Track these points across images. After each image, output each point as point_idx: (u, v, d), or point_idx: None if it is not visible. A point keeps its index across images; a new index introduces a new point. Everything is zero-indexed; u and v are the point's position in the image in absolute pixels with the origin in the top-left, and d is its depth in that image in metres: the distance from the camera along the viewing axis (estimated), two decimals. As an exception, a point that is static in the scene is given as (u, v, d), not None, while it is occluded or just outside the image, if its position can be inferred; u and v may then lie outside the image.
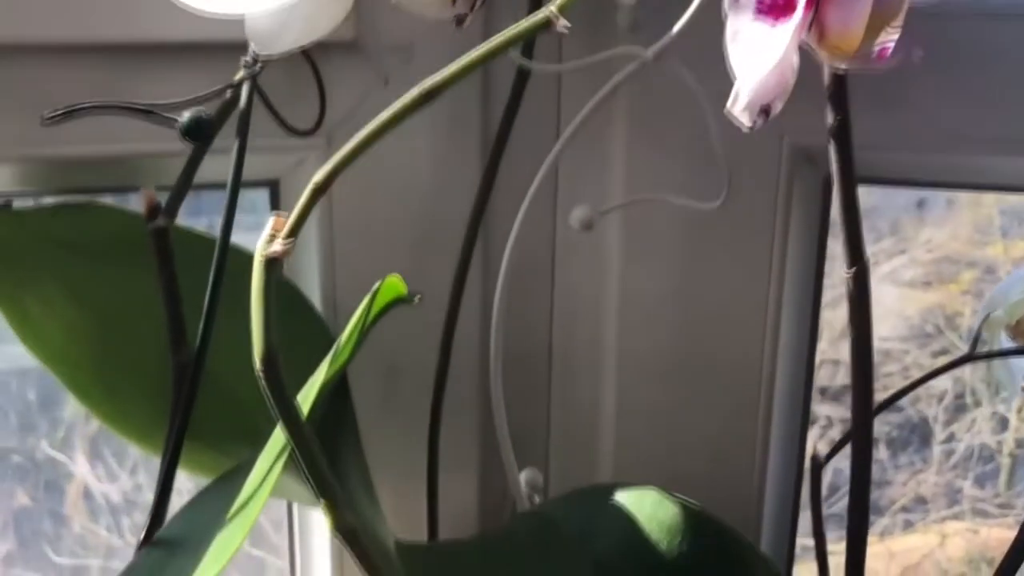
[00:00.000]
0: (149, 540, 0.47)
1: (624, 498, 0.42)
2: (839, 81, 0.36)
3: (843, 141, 0.36)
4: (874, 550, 0.88)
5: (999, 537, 0.94)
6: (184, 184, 0.46)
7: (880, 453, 0.87)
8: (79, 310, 0.49)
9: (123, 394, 0.50)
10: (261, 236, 0.28)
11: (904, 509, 0.91)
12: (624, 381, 0.58)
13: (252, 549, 0.77)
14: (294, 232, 0.28)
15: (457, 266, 0.52)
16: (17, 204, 0.48)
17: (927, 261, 0.92)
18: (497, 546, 0.42)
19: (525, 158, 0.51)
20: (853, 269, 0.39)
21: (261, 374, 0.28)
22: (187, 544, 0.43)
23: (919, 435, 0.91)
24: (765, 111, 0.28)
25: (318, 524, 0.61)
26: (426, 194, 0.54)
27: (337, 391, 0.49)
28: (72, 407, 0.73)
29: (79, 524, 0.76)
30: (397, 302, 0.44)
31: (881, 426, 0.85)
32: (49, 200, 0.53)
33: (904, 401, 0.80)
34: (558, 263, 0.57)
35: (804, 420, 0.60)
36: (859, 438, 0.43)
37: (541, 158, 0.48)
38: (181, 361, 0.48)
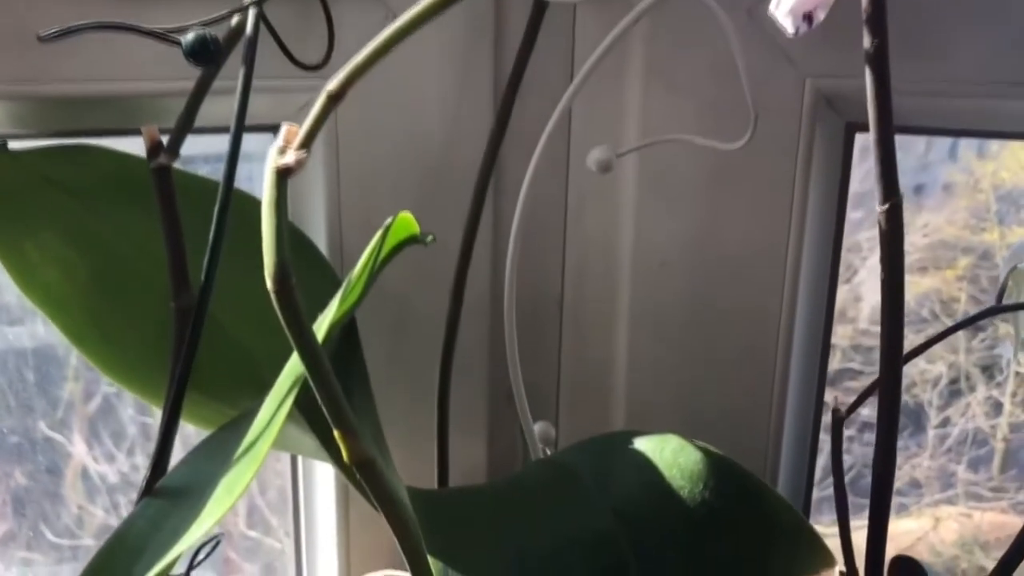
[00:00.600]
0: (149, 491, 0.45)
1: (643, 444, 0.41)
2: (878, 2, 0.34)
3: (880, 67, 0.35)
4: (867, 534, 0.89)
5: (992, 521, 0.95)
6: (188, 119, 0.44)
7: (871, 436, 0.86)
8: (77, 255, 0.47)
9: (124, 342, 0.48)
10: (272, 146, 0.27)
11: (898, 492, 0.91)
12: (637, 334, 0.57)
13: (249, 531, 0.77)
14: (307, 143, 0.26)
15: (468, 214, 0.51)
16: (13, 146, 0.47)
17: (923, 246, 0.92)
18: (511, 491, 0.40)
19: (538, 100, 0.49)
20: (886, 205, 0.37)
21: (273, 292, 0.26)
22: (190, 492, 0.41)
23: (913, 419, 0.91)
24: (808, 18, 0.27)
25: (322, 484, 0.59)
26: (435, 137, 0.52)
27: (347, 337, 0.47)
28: (70, 387, 0.72)
29: (76, 505, 0.75)
30: (409, 241, 0.43)
31: (876, 410, 0.86)
32: (46, 142, 0.52)
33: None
34: (571, 212, 0.56)
35: (822, 373, 0.58)
36: (888, 385, 0.42)
37: (554, 100, 0.46)
38: (183, 307, 0.46)
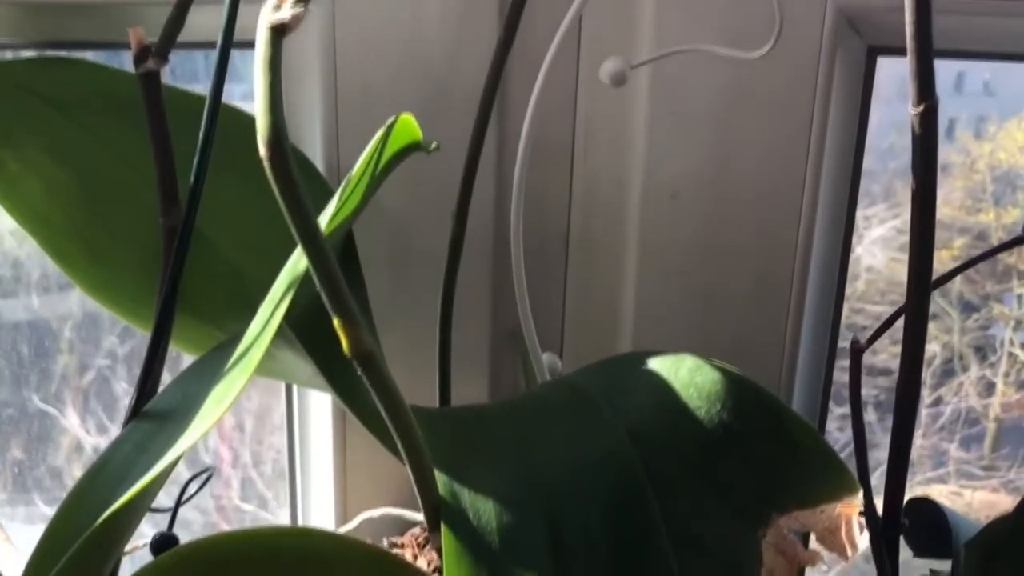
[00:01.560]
0: (136, 415, 0.43)
1: (658, 364, 0.39)
2: None
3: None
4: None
5: (983, 499, 0.96)
6: (177, 22, 0.42)
7: (868, 415, 0.86)
8: (61, 169, 0.45)
9: (109, 261, 0.46)
10: (267, 2, 0.24)
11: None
12: (645, 269, 0.55)
13: (243, 504, 0.75)
14: (304, -3, 0.24)
15: (472, 133, 0.48)
16: (-5, 56, 0.45)
17: None
18: (520, 408, 0.38)
19: (546, 9, 0.46)
20: (921, 107, 0.35)
21: (267, 159, 0.24)
22: (178, 413, 0.39)
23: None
24: None
25: (317, 423, 0.57)
26: (437, 51, 0.50)
27: (345, 257, 0.45)
28: (64, 360, 0.70)
29: (70, 477, 0.74)
30: (411, 148, 0.40)
31: (869, 389, 0.86)
32: (30, 53, 0.49)
33: (893, 365, 0.80)
34: (579, 138, 0.53)
35: (837, 309, 0.56)
36: (915, 307, 0.39)
37: (564, 7, 0.44)
38: (171, 225, 0.44)
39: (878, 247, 0.90)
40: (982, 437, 0.98)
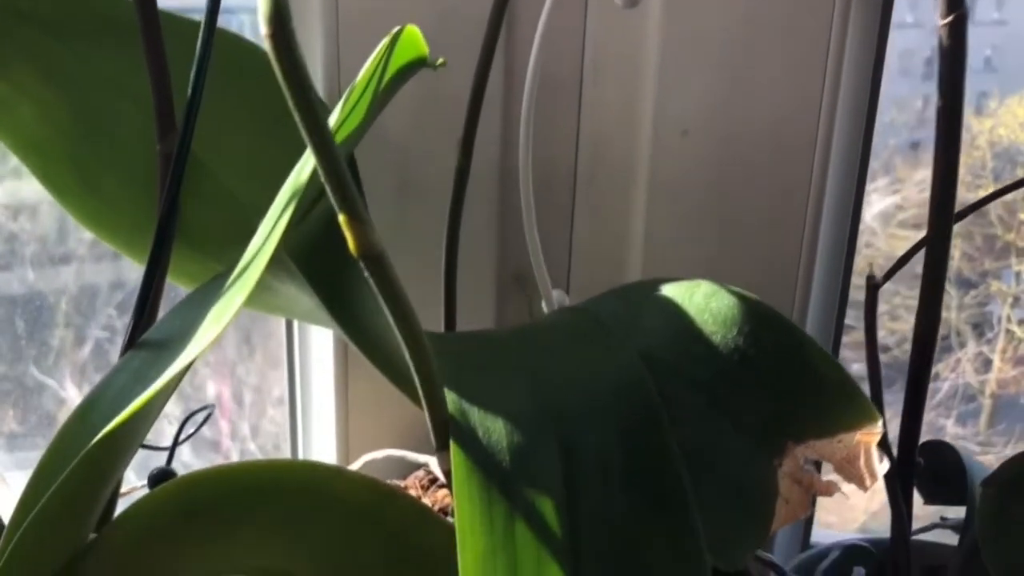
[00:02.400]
0: (133, 345, 0.42)
1: (672, 290, 0.38)
2: None
3: None
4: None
5: None
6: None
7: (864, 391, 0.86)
8: (53, 94, 0.44)
9: (104, 190, 0.44)
10: None
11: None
12: (655, 208, 0.53)
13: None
14: None
15: (479, 58, 0.47)
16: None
17: (919, 202, 0.90)
18: (531, 333, 0.37)
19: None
20: (950, 17, 0.34)
21: (268, 37, 0.22)
22: (177, 340, 0.38)
23: (902, 376, 0.90)
24: None
25: (318, 365, 0.56)
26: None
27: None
28: (60, 334, 0.69)
29: None
30: (416, 64, 0.39)
31: (864, 367, 0.85)
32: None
33: (890, 341, 0.83)
34: (587, 68, 0.52)
35: (852, 242, 0.55)
36: (938, 235, 0.38)
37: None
38: (168, 151, 0.42)
39: (878, 223, 0.90)
40: (979, 413, 0.98)
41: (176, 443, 0.47)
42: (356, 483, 0.40)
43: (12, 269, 0.68)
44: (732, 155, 0.52)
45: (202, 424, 0.49)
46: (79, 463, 0.32)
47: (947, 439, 0.96)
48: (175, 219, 0.42)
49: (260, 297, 0.46)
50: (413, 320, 0.27)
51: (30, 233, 0.67)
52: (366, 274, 0.26)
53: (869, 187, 0.84)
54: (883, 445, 0.45)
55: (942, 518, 0.56)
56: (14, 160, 0.64)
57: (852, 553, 0.52)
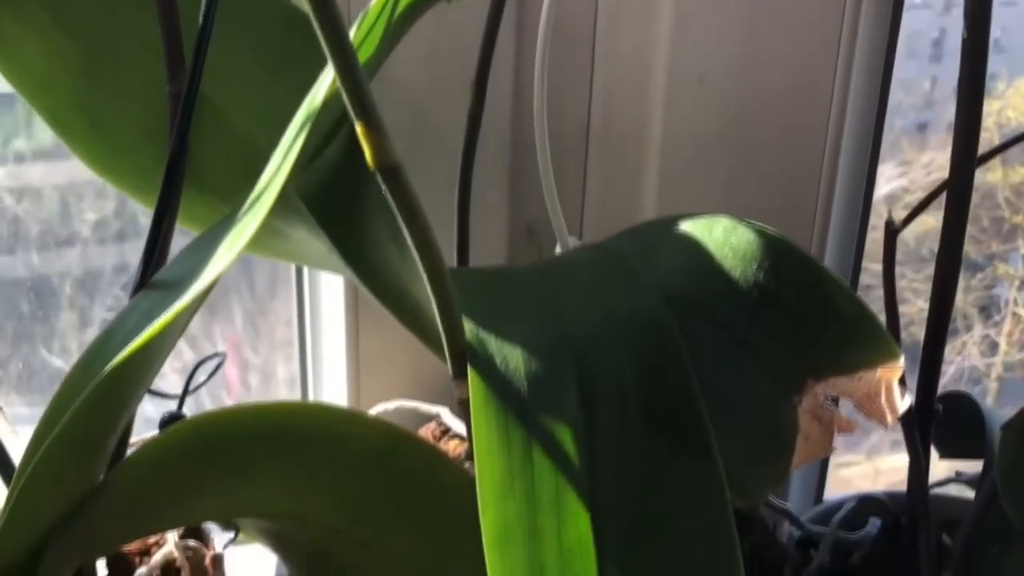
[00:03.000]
0: (144, 285, 0.41)
1: (690, 226, 0.37)
2: None
3: None
4: (861, 469, 0.93)
5: None
6: None
7: None
8: (62, 33, 0.43)
9: (113, 132, 0.44)
10: None
11: (893, 429, 0.89)
12: (669, 159, 0.53)
13: None
14: None
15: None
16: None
17: (926, 184, 0.90)
18: (550, 268, 0.36)
19: None
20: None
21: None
22: (188, 279, 0.37)
23: (910, 356, 0.90)
24: None
25: (329, 314, 0.56)
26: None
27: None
28: (66, 317, 0.69)
29: None
30: (431, -3, 0.38)
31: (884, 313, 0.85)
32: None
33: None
34: (601, 13, 0.51)
35: (869, 190, 0.54)
36: (959, 180, 0.38)
37: None
38: (177, 90, 0.42)
39: (884, 206, 0.89)
40: (985, 396, 0.98)
41: (187, 390, 0.47)
42: (369, 426, 0.40)
43: (16, 252, 0.67)
44: (748, 103, 0.51)
45: (214, 372, 0.48)
46: (88, 396, 0.31)
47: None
48: (184, 159, 0.41)
49: (271, 242, 0.45)
50: (430, 237, 0.26)
51: (34, 216, 0.67)
52: (383, 189, 0.25)
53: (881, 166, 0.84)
54: (902, 384, 0.44)
55: (957, 473, 0.56)
56: (17, 143, 0.64)
57: (867, 505, 0.51)
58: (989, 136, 0.92)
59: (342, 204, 0.43)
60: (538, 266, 0.36)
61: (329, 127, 0.42)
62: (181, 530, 0.48)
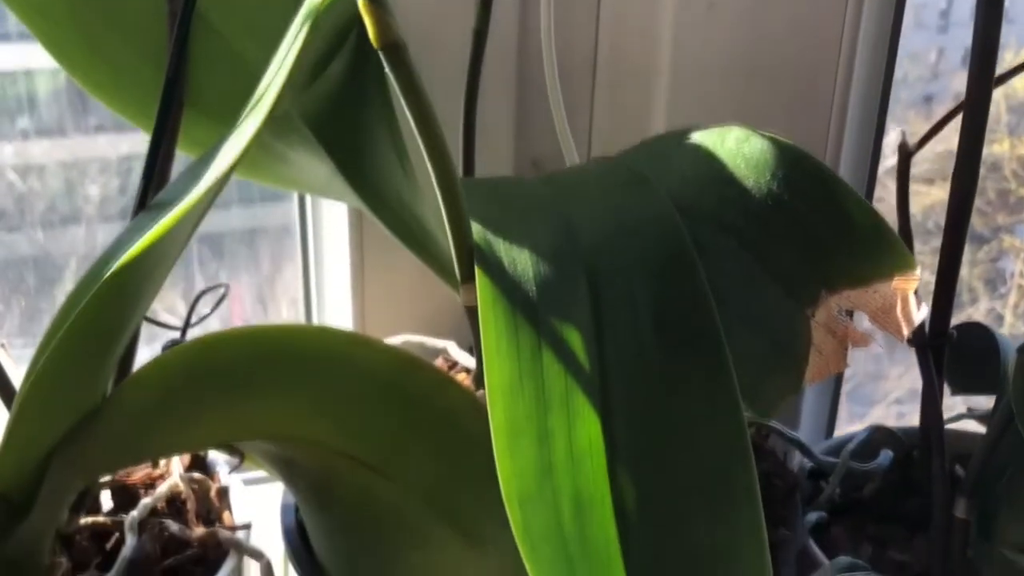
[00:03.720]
0: (143, 206, 0.41)
1: (702, 137, 0.36)
2: None
3: None
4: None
5: None
6: None
7: (877, 348, 0.86)
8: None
9: (111, 55, 0.43)
10: None
11: (897, 401, 0.91)
12: (678, 88, 0.52)
13: None
14: None
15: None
16: None
17: (931, 157, 0.88)
18: (560, 178, 0.36)
19: None
20: None
21: None
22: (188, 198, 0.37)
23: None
24: None
25: (333, 247, 0.55)
26: None
27: (363, 47, 0.42)
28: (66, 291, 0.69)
29: None
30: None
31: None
32: None
33: None
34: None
35: (881, 118, 0.53)
36: (977, 99, 0.37)
37: None
38: (176, 8, 0.41)
39: (890, 178, 0.88)
40: None
41: (189, 320, 0.46)
42: (375, 349, 0.39)
43: (22, 230, 0.67)
44: (759, 29, 0.50)
45: (218, 304, 0.48)
46: (88, 305, 0.31)
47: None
48: (183, 78, 0.41)
49: (272, 166, 0.45)
50: (433, 120, 0.26)
51: (39, 193, 0.67)
52: (386, 69, 0.25)
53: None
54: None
55: (969, 409, 0.55)
56: (22, 121, 0.63)
57: (879, 437, 0.51)
58: (995, 108, 0.91)
59: (344, 124, 0.42)
60: (548, 176, 0.36)
61: (329, 44, 0.41)
62: (187, 462, 0.48)
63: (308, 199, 0.56)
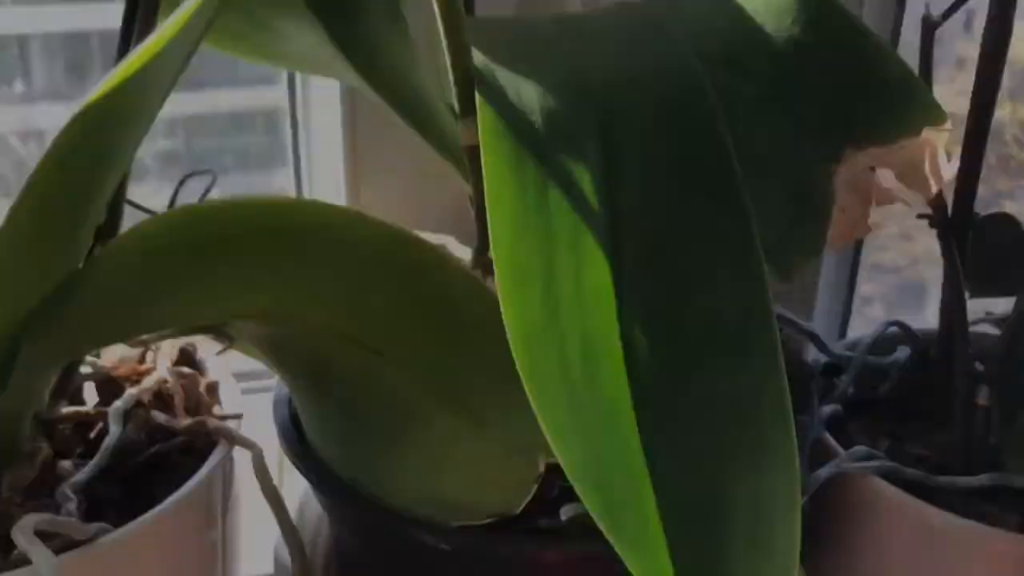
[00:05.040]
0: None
1: (719, -18, 0.34)
2: None
3: None
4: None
5: None
6: None
7: (876, 311, 0.84)
8: None
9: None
10: None
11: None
12: None
13: None
14: None
15: None
16: None
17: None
18: (571, 18, 0.33)
19: None
20: None
21: None
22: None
23: (914, 296, 0.88)
24: None
25: (325, 127, 0.53)
26: None
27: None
28: None
29: None
30: None
31: (877, 287, 0.82)
32: None
33: (902, 262, 0.82)
34: None
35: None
36: None
37: None
38: None
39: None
40: None
41: (173, 204, 0.44)
42: (372, 223, 0.37)
43: None
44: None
45: (205, 194, 0.45)
46: (67, 133, 0.28)
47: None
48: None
49: (260, 39, 0.42)
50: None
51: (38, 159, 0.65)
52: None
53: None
54: (938, 196, 0.41)
55: (987, 313, 0.53)
56: (20, 86, 0.61)
57: (896, 334, 0.49)
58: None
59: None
60: (557, 16, 0.33)
61: None
62: (175, 357, 0.46)
63: (299, 86, 0.53)
